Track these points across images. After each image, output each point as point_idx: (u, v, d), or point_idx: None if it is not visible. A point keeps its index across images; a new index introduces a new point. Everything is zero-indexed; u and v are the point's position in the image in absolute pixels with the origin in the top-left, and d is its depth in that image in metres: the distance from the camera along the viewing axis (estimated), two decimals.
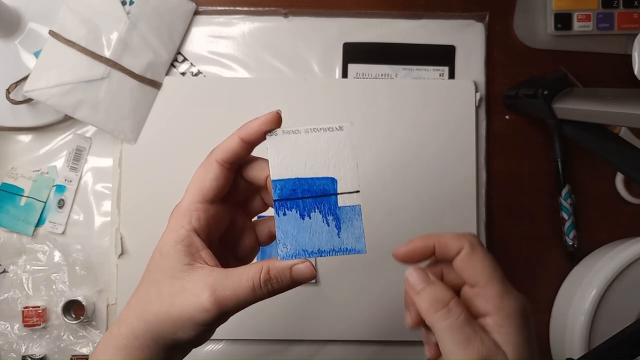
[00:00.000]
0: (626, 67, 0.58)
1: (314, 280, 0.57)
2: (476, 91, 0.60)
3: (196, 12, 0.61)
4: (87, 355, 0.57)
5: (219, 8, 0.61)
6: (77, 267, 0.58)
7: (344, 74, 0.61)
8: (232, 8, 0.61)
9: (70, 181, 0.60)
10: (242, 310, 0.33)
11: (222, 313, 0.32)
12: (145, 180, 0.58)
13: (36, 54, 0.57)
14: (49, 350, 0.57)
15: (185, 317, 0.32)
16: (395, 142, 0.59)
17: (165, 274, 0.33)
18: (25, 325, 0.56)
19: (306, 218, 0.33)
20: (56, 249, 0.59)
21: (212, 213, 0.34)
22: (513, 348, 0.30)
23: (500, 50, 0.62)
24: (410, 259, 0.34)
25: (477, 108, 0.60)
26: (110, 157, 0.60)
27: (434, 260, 0.35)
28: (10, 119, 0.58)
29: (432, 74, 0.61)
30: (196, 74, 0.61)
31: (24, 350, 0.57)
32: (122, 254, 0.57)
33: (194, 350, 0.36)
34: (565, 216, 0.60)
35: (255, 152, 0.36)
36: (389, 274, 0.57)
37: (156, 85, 0.59)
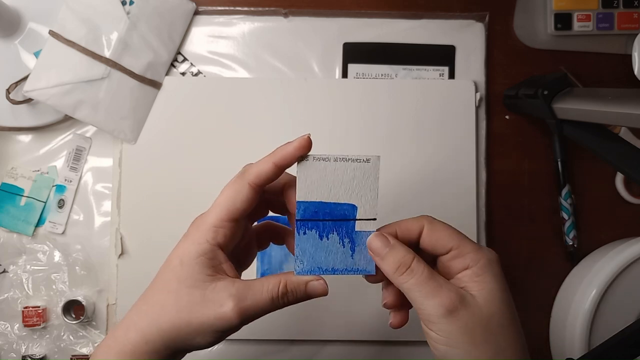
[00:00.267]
0: (626, 67, 0.58)
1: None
2: (476, 91, 0.60)
3: (196, 12, 0.61)
4: (87, 356, 0.57)
5: (219, 8, 0.61)
6: (77, 267, 0.58)
7: (344, 74, 0.61)
8: (232, 8, 0.61)
9: (70, 181, 0.60)
10: None
11: (243, 321, 0.34)
12: (145, 180, 0.58)
13: (36, 54, 0.57)
14: (49, 350, 0.57)
15: (206, 325, 0.33)
16: (395, 142, 0.59)
17: (184, 284, 0.34)
18: (25, 325, 0.57)
19: (324, 239, 0.35)
20: (56, 249, 0.59)
21: (236, 230, 0.36)
22: (488, 292, 0.33)
23: (500, 50, 0.62)
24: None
25: (477, 108, 0.60)
26: (110, 157, 0.60)
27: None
28: (10, 119, 0.58)
29: (432, 74, 0.61)
30: (196, 74, 0.61)
31: (24, 350, 0.57)
32: (122, 254, 0.57)
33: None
34: (565, 216, 0.60)
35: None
36: None
37: (156, 85, 0.59)
